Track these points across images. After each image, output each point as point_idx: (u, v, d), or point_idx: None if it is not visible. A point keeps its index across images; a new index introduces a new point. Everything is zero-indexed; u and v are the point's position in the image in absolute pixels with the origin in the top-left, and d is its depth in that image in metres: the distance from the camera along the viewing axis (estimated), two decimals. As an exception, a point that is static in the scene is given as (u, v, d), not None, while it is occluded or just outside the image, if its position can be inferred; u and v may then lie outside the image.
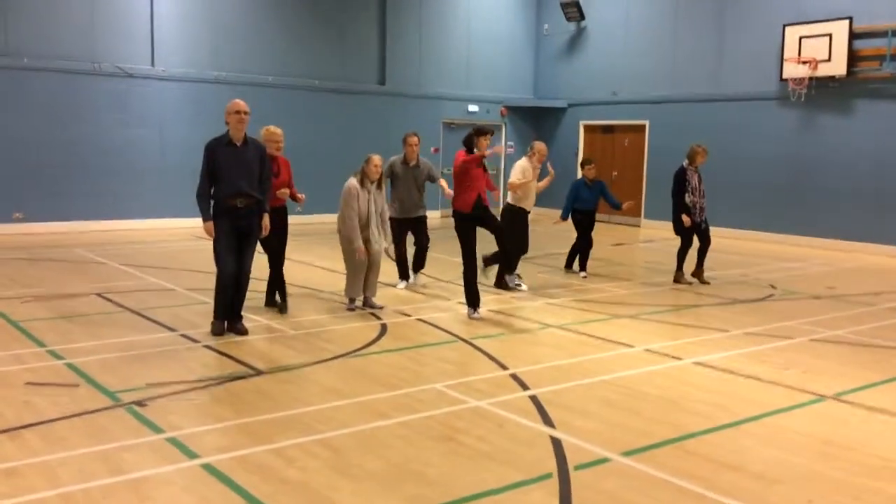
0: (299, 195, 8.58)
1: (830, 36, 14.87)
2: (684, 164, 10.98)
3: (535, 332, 7.98)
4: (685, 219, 10.77)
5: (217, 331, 7.31)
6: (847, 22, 14.67)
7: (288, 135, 17.27)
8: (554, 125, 20.77)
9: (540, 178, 10.42)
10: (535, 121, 21.08)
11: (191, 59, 16.17)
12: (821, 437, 5.18)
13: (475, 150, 8.63)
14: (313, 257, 12.27)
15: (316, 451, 4.75)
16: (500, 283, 10.08)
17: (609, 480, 4.44)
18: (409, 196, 10.02)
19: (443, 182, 9.97)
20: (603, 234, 16.95)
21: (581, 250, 11.38)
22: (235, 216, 7.16)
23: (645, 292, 10.35)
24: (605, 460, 4.73)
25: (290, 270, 10.54)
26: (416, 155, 10.08)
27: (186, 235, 14.38)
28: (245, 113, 7.12)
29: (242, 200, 7.15)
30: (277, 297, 8.68)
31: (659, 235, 16.50)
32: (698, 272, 11.06)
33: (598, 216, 11.60)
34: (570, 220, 11.35)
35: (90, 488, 4.18)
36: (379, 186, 8.68)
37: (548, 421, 5.35)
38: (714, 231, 16.25)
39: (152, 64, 15.76)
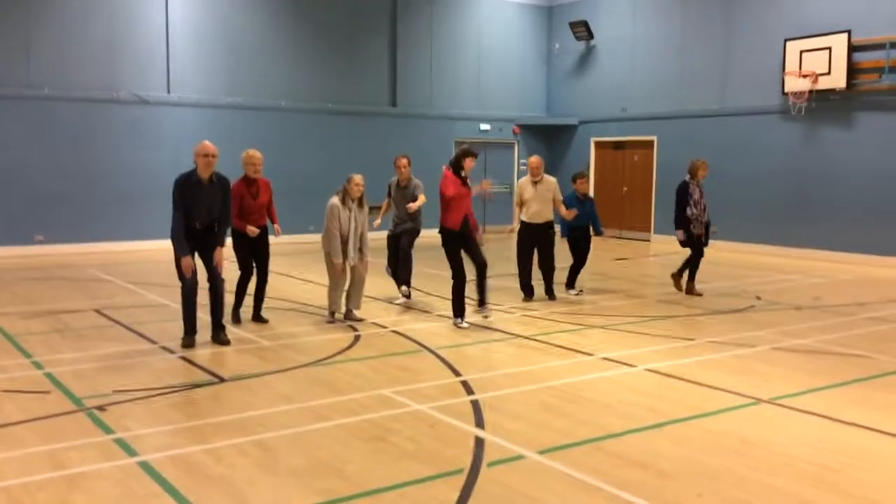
0: (276, 225, 9.31)
1: (830, 49, 14.95)
2: (686, 178, 11.10)
3: (501, 342, 8.23)
4: (679, 233, 10.98)
5: (186, 343, 7.70)
6: (846, 35, 14.73)
7: (301, 158, 18.00)
8: (566, 142, 21.02)
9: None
10: (548, 138, 21.35)
11: (205, 85, 16.78)
12: (739, 438, 5.37)
13: (462, 171, 8.98)
14: (312, 275, 12.64)
15: (248, 450, 5.08)
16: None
17: (515, 476, 4.69)
18: (399, 213, 10.37)
19: (412, 206, 10.19)
20: (610, 248, 17.15)
21: (577, 268, 11.28)
22: (192, 237, 7.64)
23: (626, 304, 10.53)
24: (519, 457, 4.98)
25: (284, 286, 10.97)
26: (405, 176, 10.41)
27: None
28: (213, 156, 7.57)
29: (200, 223, 7.65)
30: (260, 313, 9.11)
31: (666, 250, 16.61)
32: (676, 276, 11.29)
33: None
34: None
35: (29, 482, 4.54)
36: (360, 205, 9.00)
37: (479, 423, 5.62)
38: (718, 244, 16.54)
39: (168, 91, 16.39)
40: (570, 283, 11.27)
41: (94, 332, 8.56)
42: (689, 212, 10.94)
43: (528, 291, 10.62)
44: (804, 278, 13.00)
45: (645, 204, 18.94)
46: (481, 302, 9.40)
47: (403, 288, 10.30)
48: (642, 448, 5.17)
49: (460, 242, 8.98)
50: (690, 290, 11.14)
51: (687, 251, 11.24)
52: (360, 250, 9.04)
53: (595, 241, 11.30)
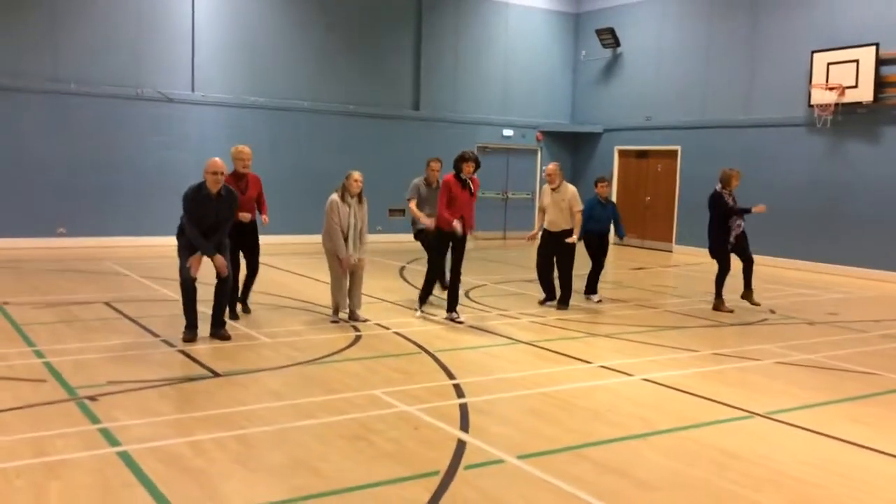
0: (265, 216, 9.58)
1: (857, 62, 14.72)
2: (717, 187, 10.76)
3: (501, 347, 8.19)
4: (715, 250, 10.75)
5: (187, 338, 7.77)
6: (874, 48, 14.50)
7: (321, 159, 18.06)
8: (590, 150, 20.91)
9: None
10: (572, 146, 21.25)
11: (229, 85, 16.93)
12: (726, 451, 5.28)
13: (461, 174, 9.09)
14: (322, 275, 12.66)
15: (228, 444, 5.10)
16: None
17: (491, 480, 4.66)
18: (430, 214, 10.34)
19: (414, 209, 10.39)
20: (630, 257, 17.02)
21: (596, 274, 11.20)
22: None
23: (635, 314, 10.43)
24: (498, 461, 4.95)
25: (297, 285, 11.07)
26: (436, 178, 10.50)
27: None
28: (221, 174, 7.78)
29: (208, 232, 7.86)
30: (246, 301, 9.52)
31: (686, 261, 16.46)
32: (747, 293, 10.83)
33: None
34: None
35: (9, 468, 4.60)
36: (360, 201, 9.04)
37: (465, 426, 5.59)
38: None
39: (192, 89, 16.57)
40: (590, 289, 11.18)
41: (101, 323, 8.66)
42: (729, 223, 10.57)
43: (547, 293, 10.63)
44: (824, 293, 12.80)
45: (667, 214, 18.77)
46: (450, 307, 9.41)
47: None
48: (625, 457, 5.11)
49: (449, 241, 9.23)
50: (718, 307, 10.70)
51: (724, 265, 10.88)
52: (361, 245, 9.07)
53: (616, 250, 11.27)
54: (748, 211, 10.74)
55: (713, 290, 10.85)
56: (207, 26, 16.63)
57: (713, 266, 11.02)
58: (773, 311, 10.80)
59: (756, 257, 15.97)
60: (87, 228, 15.60)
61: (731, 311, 10.58)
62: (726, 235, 10.64)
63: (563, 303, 10.48)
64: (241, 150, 9.22)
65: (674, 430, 5.66)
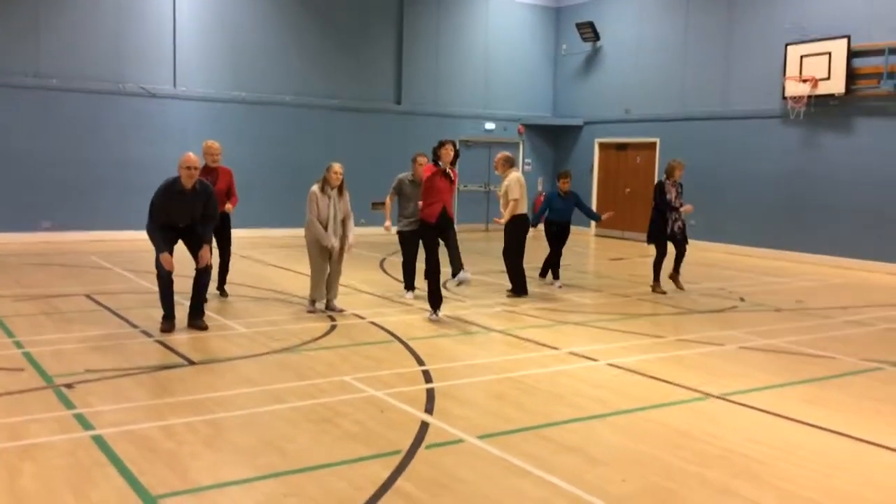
0: (228, 206, 9.76)
1: (830, 54, 14.96)
2: (662, 178, 11.42)
3: (473, 335, 8.40)
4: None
5: (165, 328, 7.96)
6: (845, 40, 14.75)
7: (304, 153, 18.21)
8: (571, 143, 21.13)
9: None
10: (553, 138, 21.49)
11: (210, 79, 17.07)
12: (678, 430, 5.50)
13: (439, 162, 9.16)
14: (303, 267, 12.83)
15: (199, 428, 5.28)
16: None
17: (449, 458, 4.86)
18: (414, 211, 10.34)
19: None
20: (609, 248, 17.26)
21: (553, 261, 11.72)
22: (175, 231, 8.07)
23: (608, 302, 10.65)
24: (458, 441, 5.15)
25: (277, 277, 11.27)
26: (421, 174, 10.51)
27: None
28: (195, 168, 7.94)
29: (182, 224, 8.08)
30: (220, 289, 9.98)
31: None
32: (674, 275, 11.52)
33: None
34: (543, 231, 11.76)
35: (-16, 450, 4.78)
36: (340, 192, 9.21)
37: (429, 409, 5.79)
38: (713, 246, 16.65)
39: (174, 84, 16.69)
40: (544, 273, 11.80)
41: (81, 315, 8.82)
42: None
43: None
44: (795, 282, 13.05)
45: (647, 205, 18.80)
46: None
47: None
48: (581, 436, 5.32)
49: (437, 234, 9.12)
50: (655, 289, 11.35)
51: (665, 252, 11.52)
52: (344, 236, 9.22)
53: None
54: (676, 209, 11.37)
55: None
56: (188, 21, 16.76)
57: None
58: (742, 299, 11.05)
59: (728, 246, 16.49)
60: (71, 223, 15.74)
61: (665, 293, 11.19)
62: (664, 225, 11.29)
63: (512, 291, 10.71)
64: (210, 146, 9.73)
65: (631, 411, 5.88)
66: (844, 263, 14.89)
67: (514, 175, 10.76)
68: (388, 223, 10.58)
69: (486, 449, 5.02)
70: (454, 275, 9.00)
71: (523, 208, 10.69)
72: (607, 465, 4.82)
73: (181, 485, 4.39)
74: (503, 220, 10.65)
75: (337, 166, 9.16)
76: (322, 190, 9.10)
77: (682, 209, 11.43)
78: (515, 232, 10.66)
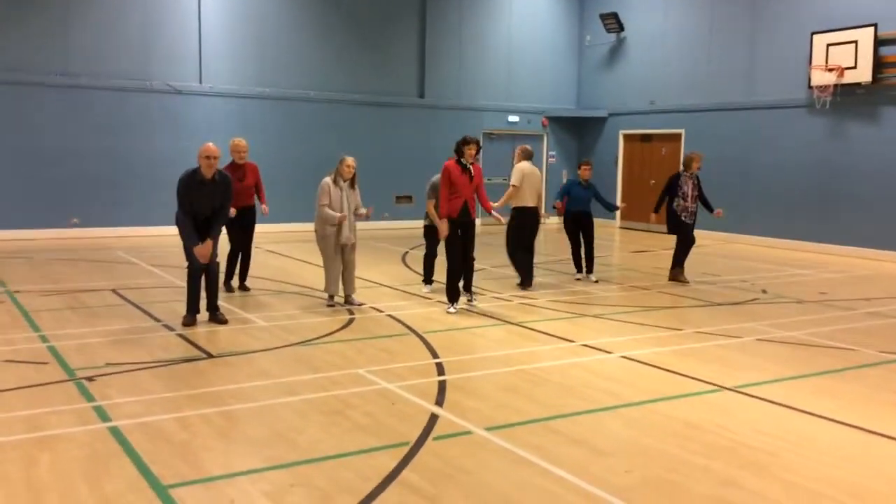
0: (264, 206, 10.29)
1: (856, 43, 14.76)
2: (680, 169, 11.41)
3: (491, 328, 8.45)
4: (652, 217, 11.72)
5: (187, 322, 8.10)
6: (872, 29, 14.54)
7: (328, 148, 18.34)
8: (595, 134, 21.06)
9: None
10: (577, 130, 21.43)
11: (235, 76, 17.25)
12: (688, 422, 5.51)
13: (462, 159, 9.22)
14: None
15: (214, 420, 5.40)
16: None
17: (456, 449, 4.93)
18: None
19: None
20: (633, 240, 17.20)
21: (585, 254, 11.54)
22: (197, 226, 8.15)
23: (627, 294, 10.64)
24: (466, 433, 5.21)
25: (299, 271, 11.43)
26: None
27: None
28: (214, 157, 8.02)
29: (203, 216, 8.14)
30: (236, 282, 10.24)
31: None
32: (672, 270, 11.73)
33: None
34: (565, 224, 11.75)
35: (4, 442, 4.92)
36: (352, 185, 9.30)
37: (440, 401, 5.85)
38: (744, 239, 16.61)
39: (200, 81, 16.89)
40: (579, 267, 11.67)
41: (106, 309, 8.99)
42: (676, 203, 11.29)
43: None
44: (819, 273, 12.93)
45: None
46: (466, 288, 9.57)
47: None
48: (589, 428, 5.35)
49: (457, 229, 9.19)
50: (675, 277, 11.50)
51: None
52: (358, 218, 9.34)
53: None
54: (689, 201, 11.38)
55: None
56: (214, 18, 16.95)
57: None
58: (764, 291, 10.97)
59: (754, 237, 16.39)
60: (100, 219, 16.01)
61: (687, 283, 11.31)
62: (679, 214, 11.34)
63: (518, 283, 10.83)
64: (237, 143, 10.04)
65: (641, 404, 5.90)
66: (872, 255, 14.71)
67: (521, 164, 10.81)
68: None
69: (494, 440, 5.08)
70: (465, 288, 9.47)
71: (527, 201, 10.68)
72: (613, 457, 4.85)
73: (192, 475, 4.49)
74: (499, 204, 10.26)
75: (350, 159, 9.26)
76: (335, 182, 9.19)
77: (714, 213, 11.55)
78: (516, 224, 10.69)
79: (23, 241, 14.83)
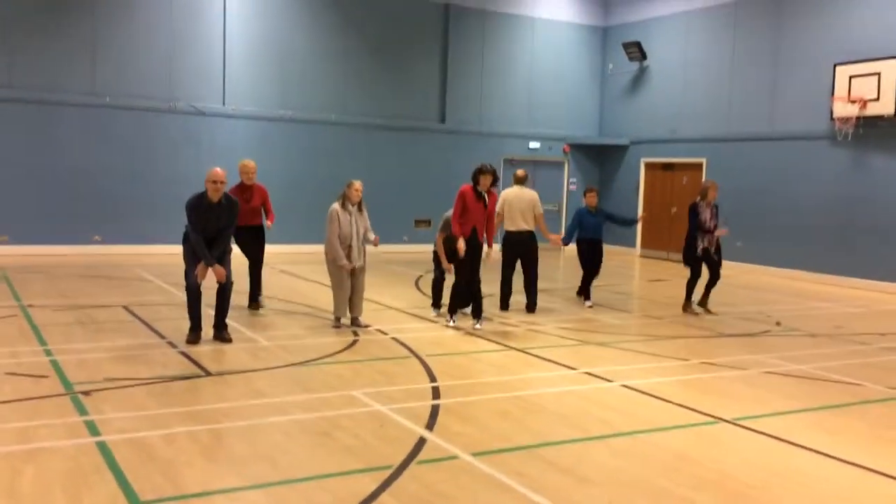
0: (268, 221, 10.38)
1: (879, 75, 14.63)
2: (697, 199, 11.33)
3: (491, 353, 8.41)
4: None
5: (190, 339, 8.16)
6: (895, 61, 14.40)
7: (348, 171, 18.38)
8: (617, 162, 21.00)
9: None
10: (599, 158, 21.38)
11: (258, 98, 17.47)
12: (678, 453, 5.43)
13: (478, 186, 9.39)
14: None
15: (201, 437, 5.41)
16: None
17: (438, 474, 4.89)
18: None
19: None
20: (652, 269, 17.06)
21: (588, 280, 11.66)
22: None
23: (638, 323, 10.55)
24: (451, 458, 5.17)
25: (310, 292, 11.50)
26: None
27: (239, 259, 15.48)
28: (221, 182, 8.17)
29: (209, 236, 8.26)
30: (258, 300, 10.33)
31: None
32: (704, 300, 11.47)
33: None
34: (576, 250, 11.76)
35: (-8, 453, 4.97)
36: (360, 209, 9.36)
37: (430, 425, 5.82)
38: (764, 270, 16.43)
39: (223, 103, 17.12)
40: (590, 295, 11.67)
41: (113, 325, 9.09)
42: (691, 234, 11.25)
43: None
44: (838, 307, 12.73)
45: (692, 227, 18.73)
46: (475, 314, 9.73)
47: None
48: (576, 456, 5.29)
49: (466, 249, 9.36)
50: (686, 309, 11.38)
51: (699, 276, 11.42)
52: (367, 242, 9.40)
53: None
54: (709, 231, 11.23)
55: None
56: (238, 42, 17.20)
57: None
58: (778, 323, 10.82)
59: (774, 269, 16.16)
60: (122, 237, 16.22)
61: (697, 314, 11.18)
62: (695, 244, 11.20)
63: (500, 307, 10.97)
64: (245, 164, 10.24)
65: (634, 434, 5.82)
66: (893, 289, 14.46)
67: (504, 191, 10.96)
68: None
69: (478, 466, 5.03)
70: (474, 315, 9.66)
71: (510, 225, 10.79)
72: (597, 486, 4.79)
73: (171, 491, 4.50)
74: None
75: (357, 183, 9.32)
76: (342, 206, 9.25)
77: (716, 232, 11.25)
78: (504, 246, 10.88)
79: (46, 256, 15.06)
